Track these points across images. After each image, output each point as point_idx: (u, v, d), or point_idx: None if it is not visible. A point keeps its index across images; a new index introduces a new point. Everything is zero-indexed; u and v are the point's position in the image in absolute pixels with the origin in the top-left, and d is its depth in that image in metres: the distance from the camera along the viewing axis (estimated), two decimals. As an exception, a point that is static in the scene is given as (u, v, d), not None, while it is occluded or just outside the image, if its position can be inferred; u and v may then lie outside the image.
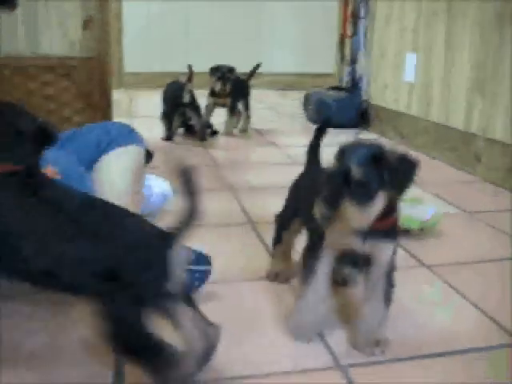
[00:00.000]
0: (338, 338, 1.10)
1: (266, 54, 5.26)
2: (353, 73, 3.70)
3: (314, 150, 1.28)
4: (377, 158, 0.93)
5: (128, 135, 1.46)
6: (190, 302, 0.91)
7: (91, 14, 2.44)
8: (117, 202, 1.29)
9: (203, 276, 1.19)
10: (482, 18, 2.36)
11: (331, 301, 1.18)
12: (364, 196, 0.92)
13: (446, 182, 2.31)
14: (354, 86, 3.66)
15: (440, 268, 1.43)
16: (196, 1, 5.05)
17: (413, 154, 0.99)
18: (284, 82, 5.36)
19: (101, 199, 0.94)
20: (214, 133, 3.09)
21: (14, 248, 0.83)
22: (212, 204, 1.86)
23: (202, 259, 1.20)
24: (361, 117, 3.47)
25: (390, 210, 0.98)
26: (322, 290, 1.07)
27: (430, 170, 2.45)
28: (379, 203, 0.93)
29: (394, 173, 0.92)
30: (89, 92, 2.26)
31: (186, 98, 2.84)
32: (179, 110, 2.90)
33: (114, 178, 1.33)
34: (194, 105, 2.90)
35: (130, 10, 4.80)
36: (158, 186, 1.62)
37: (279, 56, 5.36)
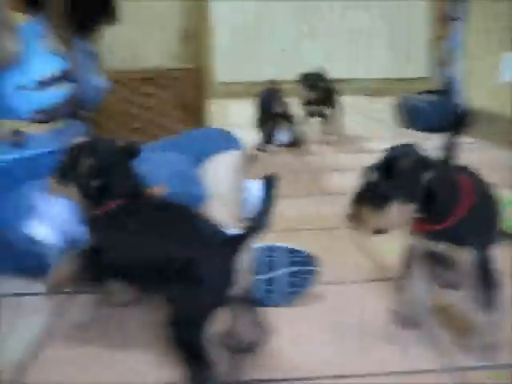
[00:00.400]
0: (445, 340, 1.08)
1: (356, 58, 5.23)
2: (447, 75, 3.60)
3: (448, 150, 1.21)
4: (388, 163, 0.94)
5: (229, 140, 1.51)
6: (249, 304, 0.96)
7: (189, 27, 2.55)
8: (221, 203, 1.36)
9: (311, 277, 1.21)
10: None
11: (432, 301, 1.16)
12: (377, 200, 0.93)
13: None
14: (449, 89, 3.56)
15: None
16: (284, 9, 5.12)
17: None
18: (373, 88, 5.30)
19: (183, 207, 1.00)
20: (300, 142, 3.03)
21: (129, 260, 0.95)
22: (311, 208, 1.89)
23: (311, 260, 1.22)
24: (456, 121, 3.36)
25: (435, 214, 0.96)
26: (420, 286, 1.07)
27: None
28: (394, 208, 0.92)
29: (403, 178, 0.92)
30: (187, 102, 2.35)
31: (277, 107, 2.86)
32: (271, 119, 2.92)
33: (219, 181, 1.38)
34: (285, 114, 2.91)
35: (219, 21, 4.93)
36: (257, 189, 1.66)
37: (367, 61, 5.31)
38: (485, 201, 1.03)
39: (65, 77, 1.21)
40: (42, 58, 1.18)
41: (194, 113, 2.38)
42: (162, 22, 2.57)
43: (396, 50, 5.30)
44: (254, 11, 5.16)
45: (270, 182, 0.89)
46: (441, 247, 1.00)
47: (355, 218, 0.96)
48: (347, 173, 2.47)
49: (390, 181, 0.93)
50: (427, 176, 0.94)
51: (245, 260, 0.88)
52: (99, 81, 1.37)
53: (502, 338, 1.02)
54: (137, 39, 2.53)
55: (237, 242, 0.88)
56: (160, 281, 0.91)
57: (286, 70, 2.98)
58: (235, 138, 1.55)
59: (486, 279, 1.00)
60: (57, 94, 1.20)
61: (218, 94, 4.83)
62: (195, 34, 2.55)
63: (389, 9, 5.18)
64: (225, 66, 5.00)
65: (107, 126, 2.17)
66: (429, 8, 4.55)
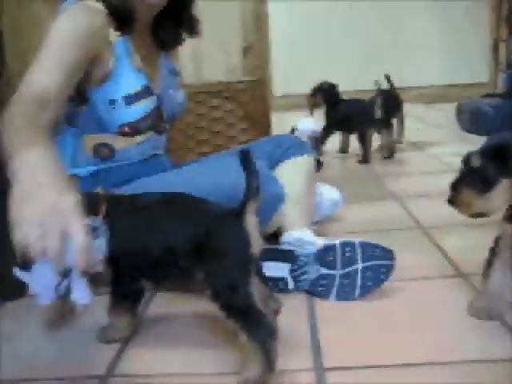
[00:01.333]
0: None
1: (411, 65, 5.20)
2: (509, 78, 3.53)
3: None
4: (499, 148, 0.97)
5: (299, 146, 1.55)
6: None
7: (251, 41, 2.62)
8: (295, 207, 1.39)
9: (388, 271, 1.23)
10: None
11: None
12: (480, 183, 0.97)
13: None
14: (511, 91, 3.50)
15: None
16: (338, 23, 5.16)
17: None
18: (431, 95, 5.24)
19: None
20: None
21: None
22: (380, 211, 1.91)
23: (387, 254, 1.24)
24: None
25: None
26: (501, 282, 1.08)
27: None
28: (499, 192, 0.96)
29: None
30: (252, 113, 2.41)
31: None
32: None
33: (292, 184, 1.41)
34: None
35: (278, 35, 5.02)
36: (329, 193, 1.69)
37: (425, 67, 5.26)
38: None
39: (149, 92, 1.28)
40: (130, 75, 1.25)
41: (258, 124, 2.43)
42: (223, 36, 2.66)
43: (456, 55, 5.23)
44: (310, 22, 5.22)
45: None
46: None
47: (458, 202, 1.00)
48: (416, 177, 2.48)
49: (499, 164, 0.96)
50: None
51: (252, 224, 0.95)
52: (180, 96, 1.44)
53: None
54: (199, 53, 2.62)
55: (241, 209, 0.94)
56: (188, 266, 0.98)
57: (340, 79, 2.98)
58: (305, 144, 1.59)
59: None
60: (141, 108, 1.26)
61: (277, 106, 4.91)
62: (259, 48, 2.62)
63: (449, 12, 5.12)
64: (283, 80, 5.07)
65: (178, 138, 2.26)
66: (490, 11, 4.48)
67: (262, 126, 2.44)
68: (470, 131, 3.44)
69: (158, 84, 1.35)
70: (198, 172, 1.32)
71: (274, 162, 1.49)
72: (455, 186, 1.01)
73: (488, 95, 3.62)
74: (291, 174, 1.47)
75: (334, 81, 2.96)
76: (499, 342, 1.04)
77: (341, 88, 2.94)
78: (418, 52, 5.28)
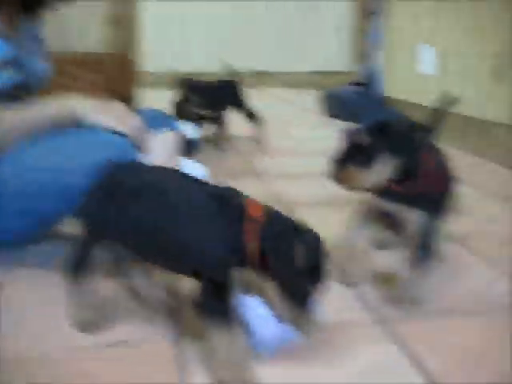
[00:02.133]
0: (376, 296, 1.16)
1: (279, 53, 5.32)
2: (369, 68, 3.74)
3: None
4: (382, 125, 1.02)
5: (164, 120, 1.51)
6: None
7: (118, 12, 2.51)
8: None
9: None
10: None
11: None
12: (363, 159, 1.01)
13: (466, 168, 2.35)
14: (371, 80, 3.70)
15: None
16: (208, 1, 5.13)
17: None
18: (298, 81, 5.41)
19: None
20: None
21: None
22: (244, 187, 1.91)
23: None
24: (379, 111, 3.51)
25: (409, 176, 1.05)
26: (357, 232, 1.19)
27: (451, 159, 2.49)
28: (381, 167, 1.01)
29: (398, 140, 1.02)
30: (116, 85, 2.32)
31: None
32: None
33: (155, 157, 1.37)
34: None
35: (148, 10, 4.88)
36: (192, 168, 1.67)
37: (292, 55, 5.41)
38: (443, 175, 1.16)
39: (11, 61, 1.18)
40: None
41: (122, 98, 2.35)
42: (90, 5, 2.52)
43: (320, 45, 5.44)
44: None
45: None
46: (393, 207, 1.10)
47: (342, 176, 1.03)
48: (282, 158, 2.53)
49: (381, 141, 1.01)
50: (417, 138, 1.05)
51: None
52: (44, 65, 1.35)
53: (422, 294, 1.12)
54: (64, 22, 2.47)
55: None
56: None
57: (211, 61, 2.97)
58: (171, 118, 1.56)
59: (424, 243, 1.10)
60: (2, 78, 1.16)
61: (144, 82, 4.78)
62: (126, 21, 2.52)
63: (316, 4, 5.30)
64: (151, 56, 4.94)
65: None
66: (353, 4, 4.71)
67: (126, 99, 2.36)
68: (332, 116, 3.60)
69: (23, 52, 1.24)
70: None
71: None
72: (339, 161, 1.03)
73: (351, 83, 3.80)
74: (155, 146, 1.43)
75: (206, 60, 2.91)
76: (350, 305, 1.10)
77: (214, 69, 2.89)
78: (286, 39, 5.42)
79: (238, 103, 2.70)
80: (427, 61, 3.03)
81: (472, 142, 2.59)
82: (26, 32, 1.30)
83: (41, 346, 0.97)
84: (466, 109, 2.61)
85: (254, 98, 2.91)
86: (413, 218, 1.09)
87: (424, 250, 1.10)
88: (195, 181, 0.98)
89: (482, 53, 2.56)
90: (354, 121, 3.36)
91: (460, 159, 2.43)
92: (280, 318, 0.91)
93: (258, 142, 2.71)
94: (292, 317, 0.90)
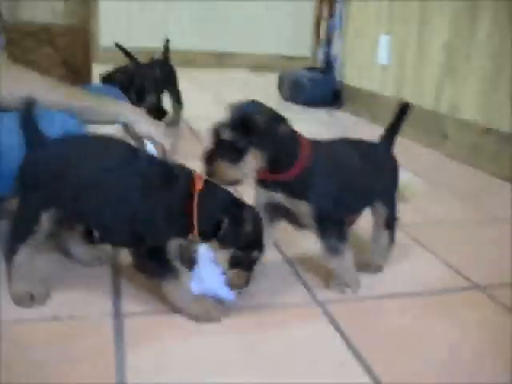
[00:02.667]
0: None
1: (240, 34, 5.31)
2: (327, 54, 3.78)
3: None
4: (244, 119, 1.03)
5: (117, 97, 1.51)
6: None
7: (74, -16, 2.46)
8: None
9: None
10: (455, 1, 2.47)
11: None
12: (231, 153, 1.02)
13: (415, 158, 2.43)
14: (329, 66, 3.75)
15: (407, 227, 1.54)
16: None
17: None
18: (257, 63, 5.41)
19: None
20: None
21: None
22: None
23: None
24: (334, 96, 3.57)
25: (280, 165, 1.07)
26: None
27: (401, 148, 2.56)
28: (249, 161, 1.02)
29: (260, 132, 1.02)
30: (71, 60, 2.28)
31: None
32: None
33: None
34: None
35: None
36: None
37: (253, 36, 5.40)
38: (326, 164, 1.12)
39: None
40: None
41: (77, 72, 2.32)
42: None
43: (282, 28, 5.45)
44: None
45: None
46: (281, 198, 1.11)
47: (213, 172, 1.03)
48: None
49: (247, 135, 1.01)
50: (280, 130, 1.05)
51: None
52: None
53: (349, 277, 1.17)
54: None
55: None
56: None
57: (174, 38, 2.93)
58: (122, 95, 1.56)
59: (323, 232, 1.12)
60: None
61: (100, 59, 4.70)
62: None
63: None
64: (109, 31, 4.86)
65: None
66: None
67: (81, 74, 2.33)
68: (289, 100, 3.64)
69: None
70: None
71: None
72: (208, 157, 1.04)
73: (308, 69, 3.83)
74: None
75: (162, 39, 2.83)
76: (291, 288, 1.15)
77: (173, 47, 2.83)
78: (249, 21, 5.40)
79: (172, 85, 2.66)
80: (385, 51, 3.09)
81: (422, 132, 2.67)
82: None
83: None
84: (419, 100, 2.69)
85: (213, 79, 2.92)
86: (300, 208, 1.10)
87: (331, 239, 1.12)
88: (144, 154, 1.08)
89: (434, 44, 2.63)
90: (307, 105, 3.43)
91: (409, 149, 2.52)
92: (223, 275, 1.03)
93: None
94: (232, 278, 1.03)
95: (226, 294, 1.04)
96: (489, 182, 2.12)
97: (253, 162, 1.03)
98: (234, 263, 1.01)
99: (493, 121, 2.22)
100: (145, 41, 4.61)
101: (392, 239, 1.28)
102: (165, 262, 0.98)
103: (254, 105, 1.07)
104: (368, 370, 0.91)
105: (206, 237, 1.00)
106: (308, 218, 1.10)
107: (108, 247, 1.24)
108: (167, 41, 2.76)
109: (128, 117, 1.28)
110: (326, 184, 1.10)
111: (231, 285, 1.03)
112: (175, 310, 1.02)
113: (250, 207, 1.03)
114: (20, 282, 1.03)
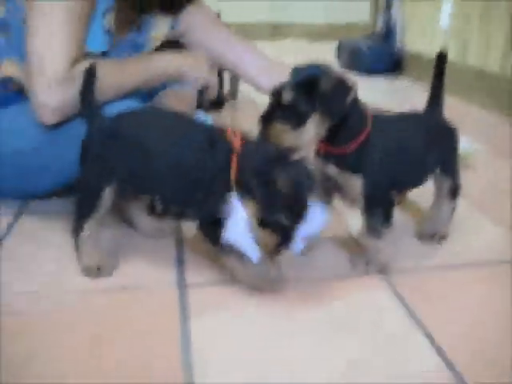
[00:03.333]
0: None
1: (296, 3, 5.22)
2: (387, 20, 3.66)
3: None
4: (310, 82, 0.95)
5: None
6: None
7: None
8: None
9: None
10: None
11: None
12: (292, 118, 0.96)
13: (479, 123, 2.34)
14: (389, 32, 3.63)
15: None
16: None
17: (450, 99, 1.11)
18: (316, 32, 5.31)
19: None
20: None
21: None
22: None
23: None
24: (395, 63, 3.47)
25: (341, 137, 1.01)
26: None
27: (465, 113, 2.48)
28: (310, 127, 0.96)
29: (327, 98, 0.95)
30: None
31: None
32: None
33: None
34: None
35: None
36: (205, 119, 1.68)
37: (309, 5, 5.30)
38: (385, 138, 1.06)
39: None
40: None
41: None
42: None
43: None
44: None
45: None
46: (333, 171, 1.05)
47: (270, 135, 0.98)
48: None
49: (309, 99, 0.95)
50: (349, 98, 0.98)
51: None
52: None
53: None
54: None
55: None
56: None
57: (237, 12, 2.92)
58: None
59: (370, 210, 1.06)
60: None
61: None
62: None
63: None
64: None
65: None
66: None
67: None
68: (348, 68, 3.56)
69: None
70: None
71: (154, 91, 1.46)
72: (264, 118, 0.99)
73: (368, 36, 3.74)
74: (170, 102, 1.45)
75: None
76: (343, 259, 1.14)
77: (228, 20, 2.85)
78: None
79: None
80: (447, 14, 2.97)
81: (487, 97, 2.56)
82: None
83: (54, 289, 1.03)
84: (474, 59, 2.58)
85: (269, 49, 2.87)
86: (352, 182, 1.05)
87: (373, 218, 1.06)
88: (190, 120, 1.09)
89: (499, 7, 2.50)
90: (368, 73, 3.35)
91: (473, 114, 2.43)
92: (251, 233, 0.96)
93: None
94: (261, 238, 0.96)
95: (252, 252, 0.97)
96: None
97: (313, 129, 0.97)
98: (264, 224, 0.94)
99: None
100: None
101: (454, 208, 1.24)
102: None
103: (322, 68, 1.00)
104: (432, 341, 0.90)
105: (243, 194, 0.95)
106: (358, 193, 1.05)
107: (171, 220, 1.26)
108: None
109: (182, 67, 1.30)
110: (383, 161, 1.04)
111: (259, 245, 0.96)
112: (236, 279, 1.03)
113: (296, 170, 0.93)
114: (87, 256, 1.07)
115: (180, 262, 1.13)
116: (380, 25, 3.77)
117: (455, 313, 0.98)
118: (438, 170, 1.19)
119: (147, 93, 1.41)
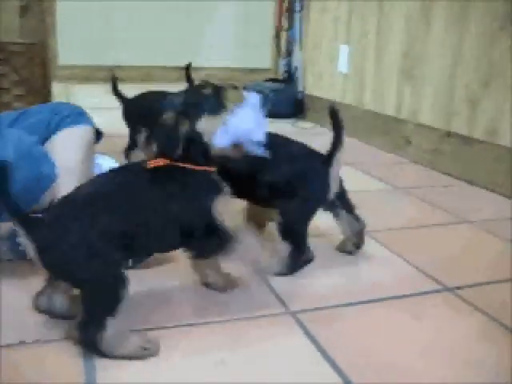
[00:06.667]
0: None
1: (202, 48, 5.31)
2: (288, 65, 3.81)
3: None
4: None
5: (78, 115, 1.47)
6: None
7: (28, 1, 2.43)
8: (70, 178, 1.33)
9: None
10: (410, 9, 2.53)
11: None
12: None
13: (378, 162, 2.46)
14: (290, 77, 3.78)
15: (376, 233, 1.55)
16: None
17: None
18: (220, 77, 5.42)
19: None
20: None
21: None
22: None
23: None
24: (297, 107, 3.59)
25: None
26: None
27: (365, 152, 2.60)
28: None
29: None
30: (29, 79, 2.24)
31: None
32: None
33: (67, 156, 1.35)
34: None
35: (63, 3, 4.72)
36: (107, 164, 1.65)
37: (215, 50, 5.41)
38: None
39: None
40: None
41: (35, 91, 2.27)
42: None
43: (242, 41, 5.47)
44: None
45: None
46: None
47: None
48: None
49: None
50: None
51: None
52: None
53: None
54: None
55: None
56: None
57: (133, 55, 2.91)
58: (84, 113, 1.52)
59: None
60: None
61: (60, 77, 4.63)
62: (37, 10, 2.43)
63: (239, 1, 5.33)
64: (67, 48, 4.80)
65: None
66: (274, 2, 4.76)
67: (40, 93, 2.29)
68: (252, 112, 3.64)
69: None
70: None
71: (52, 131, 1.41)
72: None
73: (271, 80, 3.86)
74: (67, 143, 1.40)
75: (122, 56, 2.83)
76: (262, 298, 1.14)
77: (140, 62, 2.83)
78: (211, 37, 5.41)
79: None
80: (344, 60, 3.13)
81: (384, 138, 2.71)
82: None
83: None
84: (377, 106, 2.73)
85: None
86: None
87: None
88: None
89: (393, 52, 2.68)
90: (272, 117, 3.43)
91: (373, 154, 2.56)
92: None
93: None
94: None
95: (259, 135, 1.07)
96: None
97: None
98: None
99: (451, 124, 2.26)
100: (109, 57, 4.57)
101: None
102: (222, 233, 1.05)
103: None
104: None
105: None
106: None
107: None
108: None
109: None
110: None
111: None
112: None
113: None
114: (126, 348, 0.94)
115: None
116: (282, 70, 3.92)
117: (362, 345, 1.00)
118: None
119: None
